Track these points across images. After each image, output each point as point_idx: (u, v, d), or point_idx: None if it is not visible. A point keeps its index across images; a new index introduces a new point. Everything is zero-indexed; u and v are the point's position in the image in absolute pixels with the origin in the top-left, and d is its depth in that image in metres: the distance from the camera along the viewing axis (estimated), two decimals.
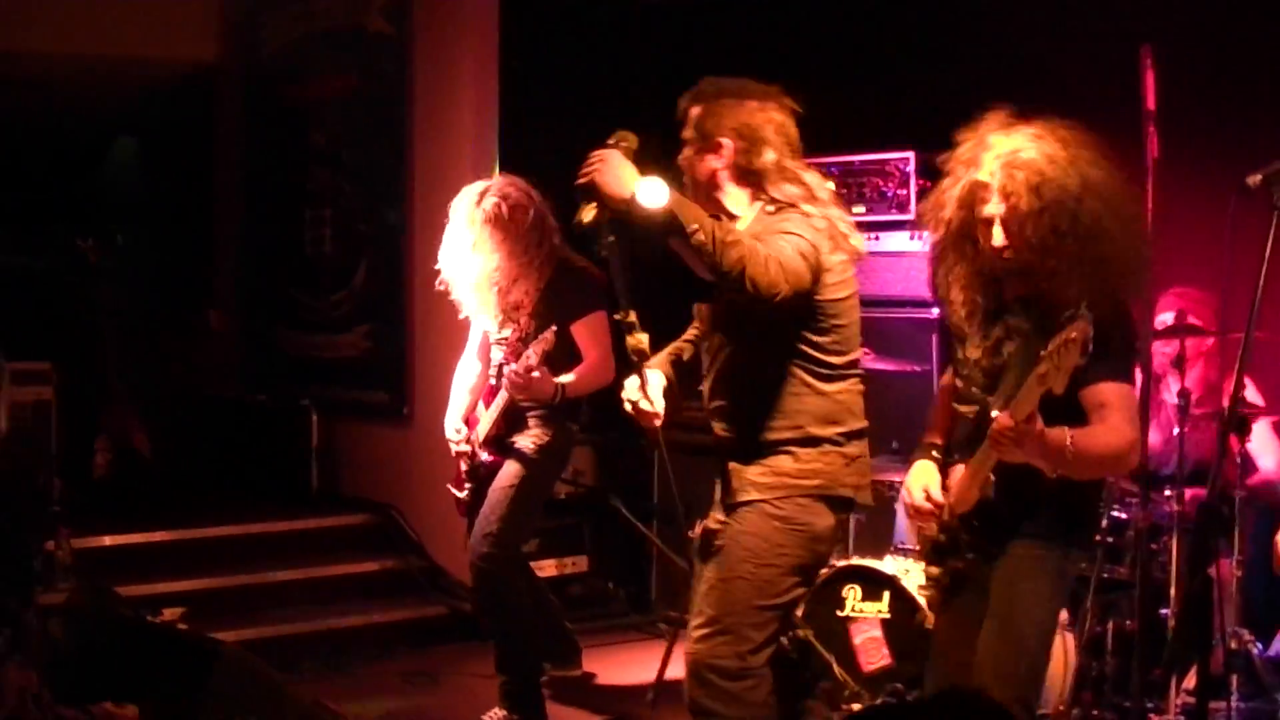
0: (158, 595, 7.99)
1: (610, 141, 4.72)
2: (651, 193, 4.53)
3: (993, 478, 4.47)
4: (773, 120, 5.04)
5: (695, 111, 5.04)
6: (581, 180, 4.62)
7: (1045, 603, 4.57)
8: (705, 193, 5.00)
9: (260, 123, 11.32)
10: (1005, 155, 4.48)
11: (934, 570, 4.77)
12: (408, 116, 9.76)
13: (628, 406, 5.00)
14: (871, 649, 6.66)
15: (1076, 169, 4.44)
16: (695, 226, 4.51)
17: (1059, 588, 4.64)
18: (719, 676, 4.90)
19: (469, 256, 6.76)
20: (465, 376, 7.16)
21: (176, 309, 12.00)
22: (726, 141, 4.98)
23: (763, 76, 9.06)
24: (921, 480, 4.75)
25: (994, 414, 4.30)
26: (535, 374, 6.45)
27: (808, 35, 9.07)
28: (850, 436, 5.02)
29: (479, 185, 6.90)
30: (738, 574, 4.92)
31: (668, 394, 5.06)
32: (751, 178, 5.01)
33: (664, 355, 5.25)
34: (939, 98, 8.15)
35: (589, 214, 4.66)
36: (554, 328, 6.45)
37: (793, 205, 4.92)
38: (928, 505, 4.69)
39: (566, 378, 6.63)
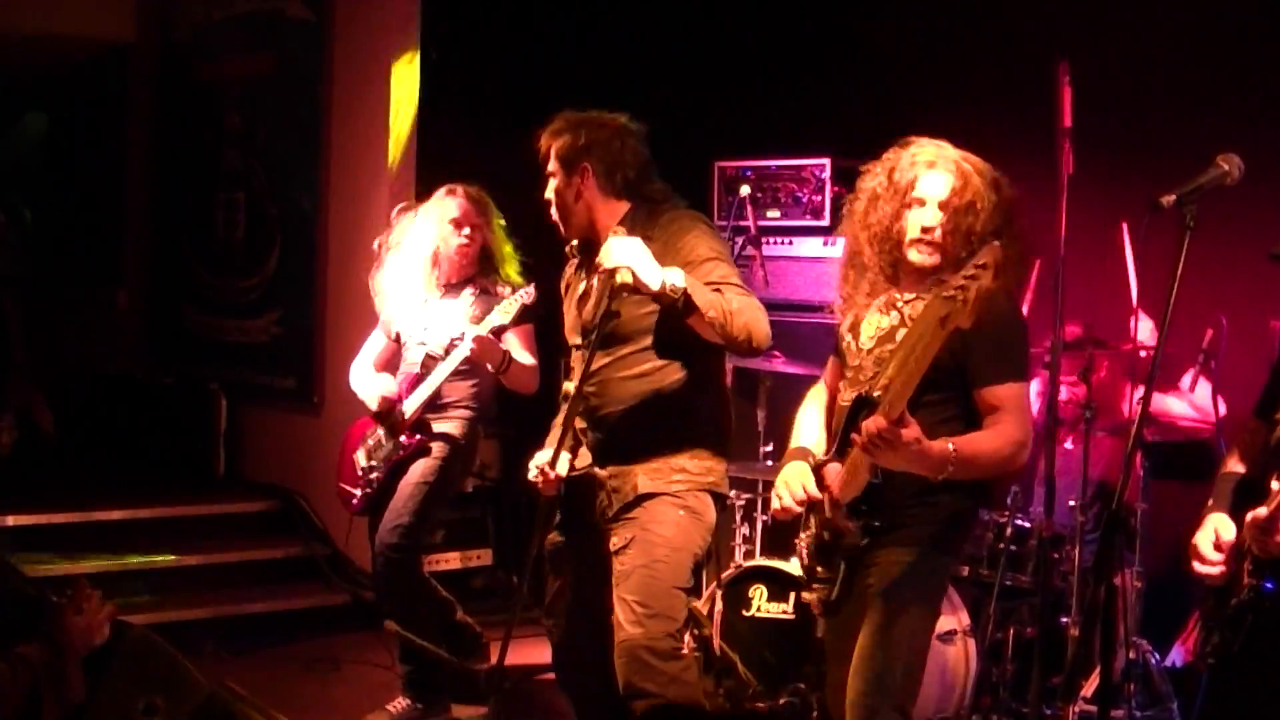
0: (62, 576, 7.93)
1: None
2: (676, 276, 4.79)
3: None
4: (623, 139, 5.32)
5: (555, 145, 5.30)
6: (613, 267, 4.81)
7: (919, 607, 4.60)
8: (580, 215, 5.34)
9: (174, 101, 11.22)
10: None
11: (822, 571, 4.75)
12: (324, 102, 9.72)
13: (534, 474, 5.28)
14: None
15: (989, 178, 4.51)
16: (711, 310, 4.84)
17: (933, 593, 4.68)
18: (657, 658, 5.12)
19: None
20: (363, 370, 7.20)
21: (84, 286, 11.89)
22: (587, 165, 5.27)
23: (683, 77, 9.11)
24: (798, 478, 4.65)
25: (863, 425, 4.26)
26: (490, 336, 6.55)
27: (728, 39, 9.11)
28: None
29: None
30: (657, 559, 5.17)
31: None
32: (617, 189, 5.30)
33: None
34: (856, 106, 8.23)
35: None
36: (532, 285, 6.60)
37: (665, 200, 5.32)
38: (804, 496, 4.59)
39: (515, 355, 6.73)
